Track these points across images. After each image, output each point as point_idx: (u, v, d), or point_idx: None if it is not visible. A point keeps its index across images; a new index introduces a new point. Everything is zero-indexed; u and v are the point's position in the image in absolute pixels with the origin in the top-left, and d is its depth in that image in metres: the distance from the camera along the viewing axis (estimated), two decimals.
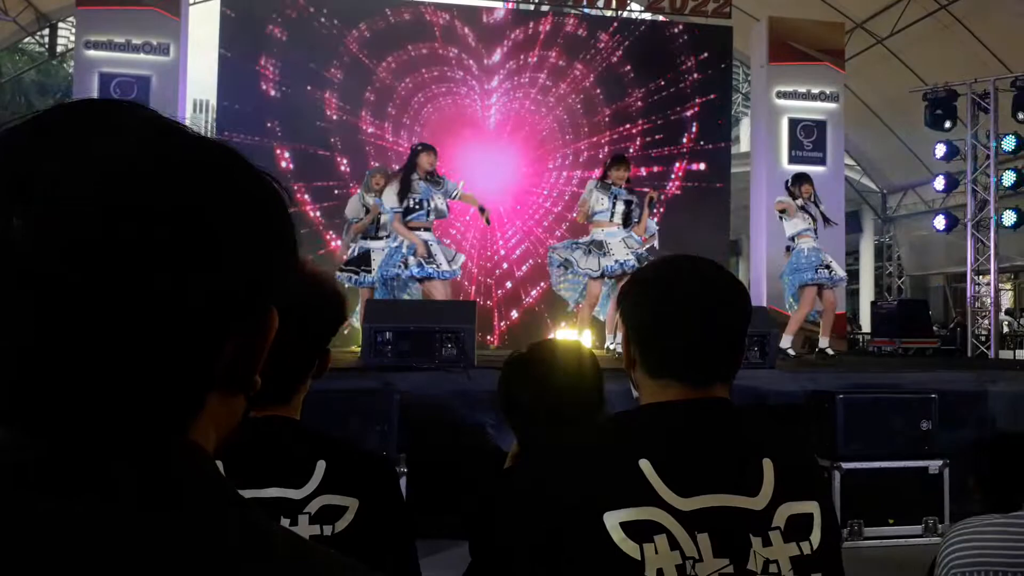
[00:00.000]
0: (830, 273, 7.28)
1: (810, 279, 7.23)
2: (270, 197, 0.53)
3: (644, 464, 1.00)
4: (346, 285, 7.28)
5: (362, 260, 7.37)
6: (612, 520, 0.97)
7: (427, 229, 6.80)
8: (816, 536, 1.05)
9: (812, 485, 1.11)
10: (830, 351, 7.35)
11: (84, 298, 0.44)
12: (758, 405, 5.34)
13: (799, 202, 7.38)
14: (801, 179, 7.56)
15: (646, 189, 7.58)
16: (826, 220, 7.49)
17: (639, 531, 0.97)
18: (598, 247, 6.87)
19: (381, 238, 7.32)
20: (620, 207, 6.96)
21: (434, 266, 6.63)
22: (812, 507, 1.07)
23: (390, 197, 6.75)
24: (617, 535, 0.96)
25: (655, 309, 1.16)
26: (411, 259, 6.65)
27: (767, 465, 1.06)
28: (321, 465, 1.14)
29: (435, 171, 6.83)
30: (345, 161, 10.21)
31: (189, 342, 0.48)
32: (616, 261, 6.77)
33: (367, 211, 7.48)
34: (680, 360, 1.13)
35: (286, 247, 0.54)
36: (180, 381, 0.48)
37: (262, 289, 0.52)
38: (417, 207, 6.70)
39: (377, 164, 8.31)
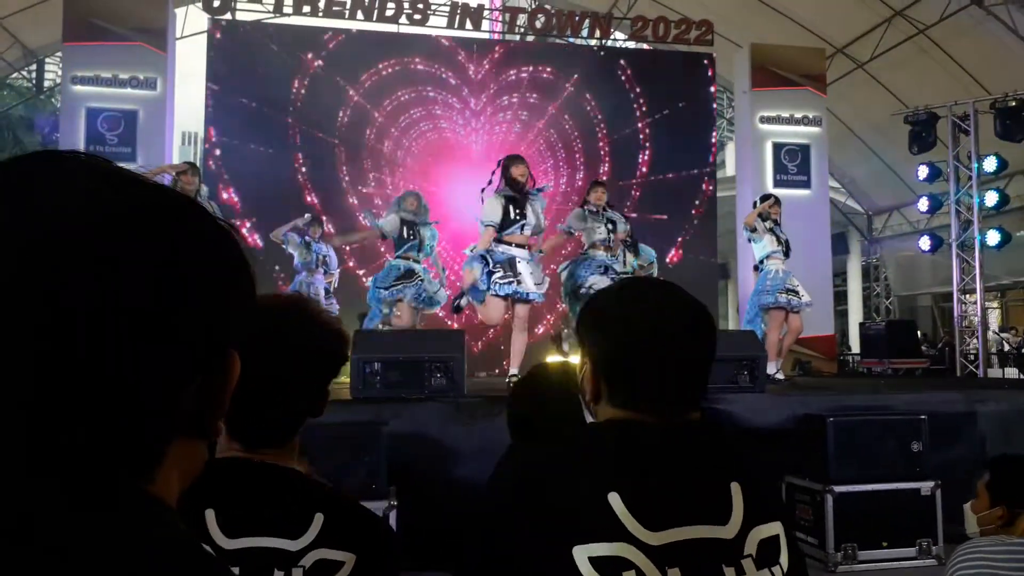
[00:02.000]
0: (793, 298, 7.15)
1: (771, 302, 7.16)
2: (224, 242, 0.52)
3: (614, 498, 0.99)
4: (405, 298, 7.33)
5: (412, 276, 7.43)
6: (581, 554, 0.96)
7: (520, 246, 6.25)
8: (784, 559, 1.04)
9: (775, 505, 1.10)
10: (780, 375, 7.17)
11: (37, 352, 0.44)
12: (748, 430, 5.33)
13: (768, 224, 7.38)
14: (774, 200, 7.53)
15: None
16: (788, 249, 7.42)
17: (607, 567, 0.96)
18: (609, 271, 6.87)
19: (419, 260, 7.48)
20: (611, 233, 7.04)
21: (516, 284, 6.09)
22: (777, 528, 1.06)
23: (491, 209, 6.22)
24: (586, 569, 0.95)
25: (620, 341, 1.11)
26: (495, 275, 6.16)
27: (735, 489, 1.05)
28: (319, 518, 1.12)
29: (527, 183, 6.32)
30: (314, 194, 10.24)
31: (149, 391, 0.47)
32: None
33: (405, 229, 7.49)
34: (650, 396, 1.10)
35: (242, 289, 0.53)
36: (142, 430, 0.48)
37: (221, 333, 0.52)
38: (516, 218, 6.21)
39: (411, 188, 8.31)
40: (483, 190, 6.46)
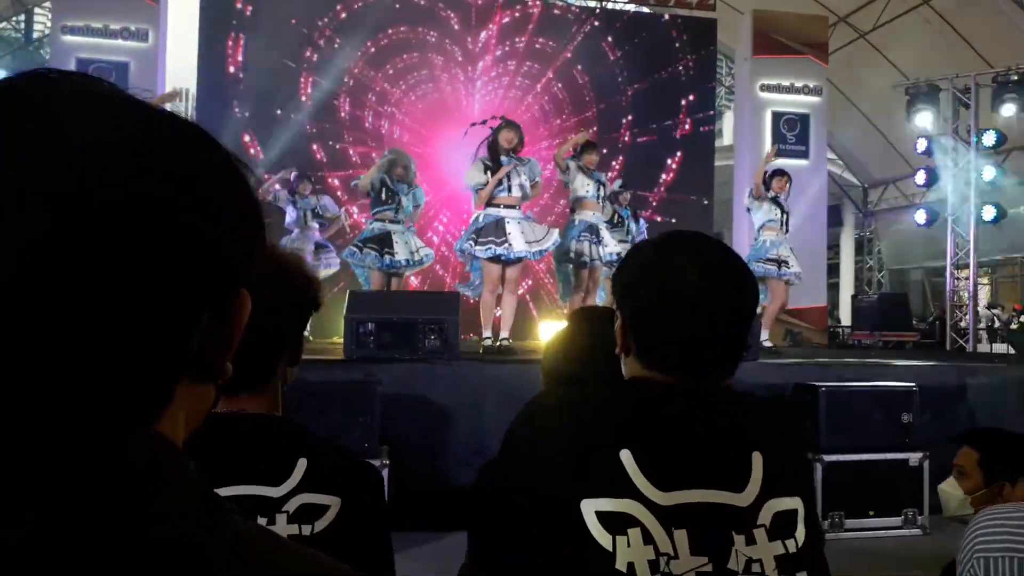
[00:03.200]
0: (781, 268, 7.19)
1: (758, 272, 7.16)
2: (237, 177, 0.51)
3: (625, 455, 0.98)
4: (368, 264, 7.09)
5: (383, 241, 7.16)
6: (589, 508, 0.96)
7: (510, 206, 6.24)
8: (801, 533, 1.02)
9: (798, 480, 1.08)
10: (768, 344, 7.19)
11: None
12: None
13: (771, 194, 7.37)
14: (778, 174, 7.53)
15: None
16: (787, 222, 7.43)
17: (613, 522, 0.95)
18: (594, 233, 6.81)
19: (400, 221, 7.29)
20: (602, 191, 6.99)
21: (497, 247, 6.09)
22: (796, 503, 1.04)
23: (470, 177, 6.28)
24: (592, 523, 0.95)
25: (653, 301, 1.08)
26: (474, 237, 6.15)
27: (756, 459, 1.02)
28: (302, 463, 1.10)
29: (515, 149, 6.29)
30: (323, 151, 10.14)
31: (161, 330, 0.46)
32: (612, 252, 6.74)
33: (383, 191, 7.29)
34: (679, 361, 1.07)
35: (254, 227, 0.52)
36: (151, 371, 0.46)
37: (232, 271, 0.51)
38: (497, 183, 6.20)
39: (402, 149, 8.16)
40: (477, 149, 6.44)
